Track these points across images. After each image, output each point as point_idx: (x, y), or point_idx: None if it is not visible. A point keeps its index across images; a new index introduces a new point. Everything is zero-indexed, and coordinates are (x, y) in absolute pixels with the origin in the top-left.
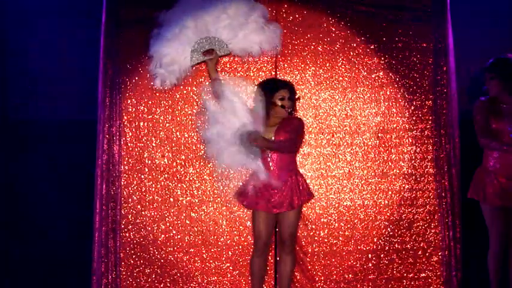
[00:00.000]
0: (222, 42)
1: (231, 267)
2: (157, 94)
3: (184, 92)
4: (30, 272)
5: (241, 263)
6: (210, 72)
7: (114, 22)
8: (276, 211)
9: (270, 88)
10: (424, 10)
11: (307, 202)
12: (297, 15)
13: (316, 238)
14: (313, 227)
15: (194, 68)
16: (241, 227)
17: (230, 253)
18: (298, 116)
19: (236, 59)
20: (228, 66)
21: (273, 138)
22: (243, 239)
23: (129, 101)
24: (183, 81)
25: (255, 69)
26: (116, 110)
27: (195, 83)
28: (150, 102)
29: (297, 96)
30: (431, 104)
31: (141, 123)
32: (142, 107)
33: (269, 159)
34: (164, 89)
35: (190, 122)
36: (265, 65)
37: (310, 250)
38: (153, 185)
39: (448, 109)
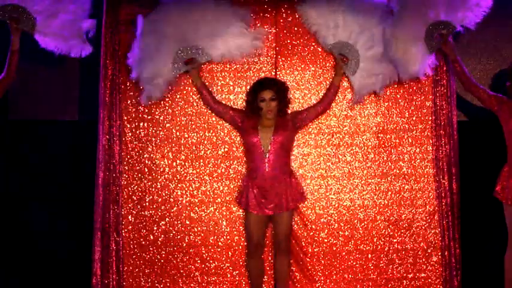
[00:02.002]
0: (202, 50)
1: (230, 268)
2: None
3: (184, 92)
4: (30, 272)
5: (241, 263)
6: (194, 80)
7: (114, 22)
8: (271, 213)
9: (254, 90)
10: None
11: (299, 204)
12: (296, 15)
13: (316, 238)
14: (313, 227)
15: (179, 77)
16: (241, 227)
17: (230, 253)
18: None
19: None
20: (227, 66)
21: (272, 138)
22: (242, 239)
23: (128, 101)
24: (169, 92)
25: (254, 69)
26: (115, 110)
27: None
28: (149, 103)
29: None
30: (431, 104)
31: (141, 123)
32: (142, 107)
33: (266, 160)
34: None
35: (190, 122)
36: (265, 65)
37: (310, 250)
38: (153, 185)
39: (448, 109)
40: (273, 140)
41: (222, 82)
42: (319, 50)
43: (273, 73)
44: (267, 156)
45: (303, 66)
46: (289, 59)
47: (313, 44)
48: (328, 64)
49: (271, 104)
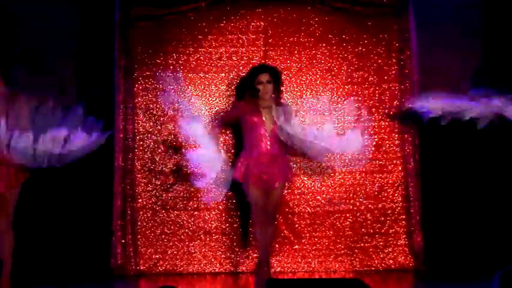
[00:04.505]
0: None
1: (229, 228)
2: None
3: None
4: (34, 267)
5: (234, 225)
6: None
7: (127, 17)
8: (265, 187)
9: (252, 73)
10: (390, 6)
11: (289, 182)
12: (281, 11)
13: (302, 201)
14: (299, 191)
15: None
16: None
17: (227, 216)
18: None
19: (232, 49)
20: (222, 50)
21: (273, 119)
22: (240, 203)
23: (140, 87)
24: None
25: (247, 58)
26: (129, 94)
27: (197, 65)
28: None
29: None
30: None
31: (150, 105)
32: (151, 93)
33: (267, 139)
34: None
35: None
36: (256, 53)
37: (296, 211)
38: (161, 157)
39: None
40: (274, 121)
41: (215, 68)
42: (302, 40)
43: (263, 61)
44: (268, 135)
45: (288, 54)
46: (276, 48)
47: (296, 35)
48: (309, 52)
49: (268, 86)
